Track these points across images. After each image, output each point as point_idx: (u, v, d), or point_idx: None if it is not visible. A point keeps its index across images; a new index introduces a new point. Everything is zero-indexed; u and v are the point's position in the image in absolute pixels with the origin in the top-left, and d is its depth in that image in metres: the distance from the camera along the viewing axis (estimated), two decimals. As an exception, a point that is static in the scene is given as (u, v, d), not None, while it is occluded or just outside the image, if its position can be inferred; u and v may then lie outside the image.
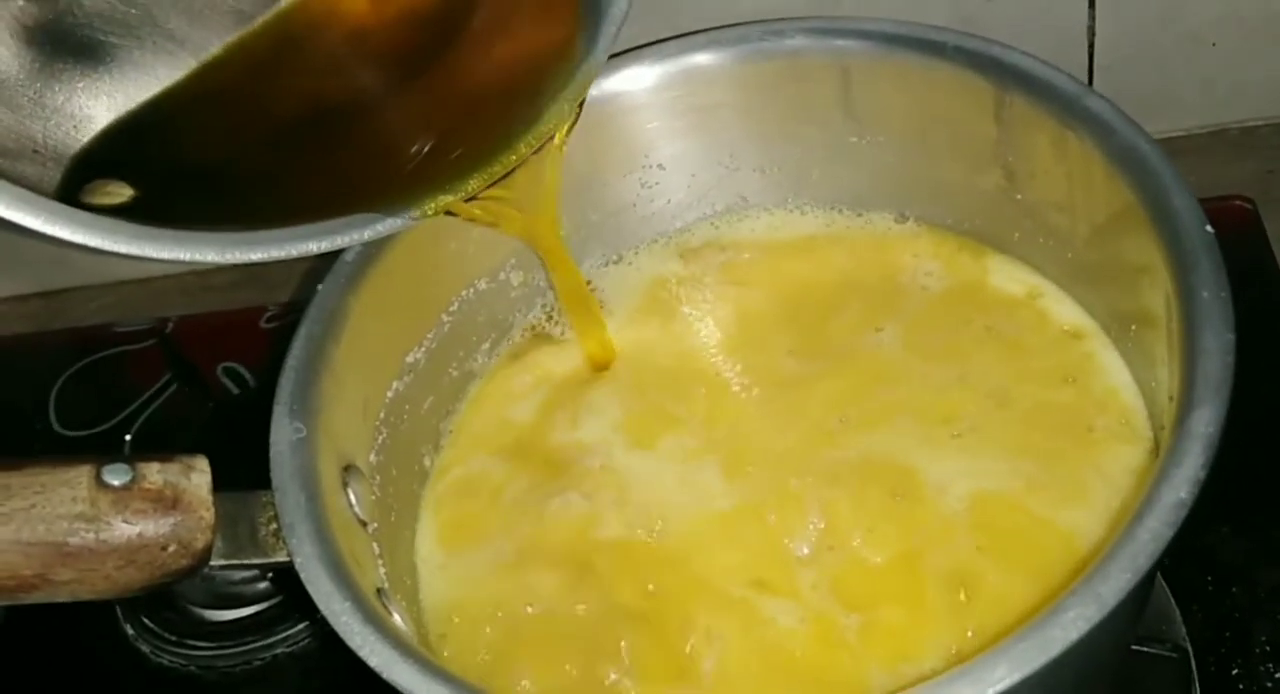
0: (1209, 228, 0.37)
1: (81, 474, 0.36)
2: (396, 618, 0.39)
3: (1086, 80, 0.64)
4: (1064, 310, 0.47)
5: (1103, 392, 0.44)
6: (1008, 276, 0.48)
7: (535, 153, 0.43)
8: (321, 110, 0.44)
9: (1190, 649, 0.48)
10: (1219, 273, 0.36)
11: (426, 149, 0.44)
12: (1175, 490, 0.32)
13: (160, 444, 0.65)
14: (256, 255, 0.40)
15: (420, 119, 0.45)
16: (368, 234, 0.42)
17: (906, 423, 0.45)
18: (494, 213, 0.44)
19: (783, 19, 0.48)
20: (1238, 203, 0.61)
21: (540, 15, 0.45)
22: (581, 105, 0.44)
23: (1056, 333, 0.46)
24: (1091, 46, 0.62)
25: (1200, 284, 0.36)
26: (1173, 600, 0.50)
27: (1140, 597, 0.38)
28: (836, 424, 0.46)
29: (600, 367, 0.50)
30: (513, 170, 0.42)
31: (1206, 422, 0.33)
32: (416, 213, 0.42)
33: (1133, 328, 0.43)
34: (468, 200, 0.42)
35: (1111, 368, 0.44)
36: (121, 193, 0.41)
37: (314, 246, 0.41)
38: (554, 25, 0.45)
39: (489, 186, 0.42)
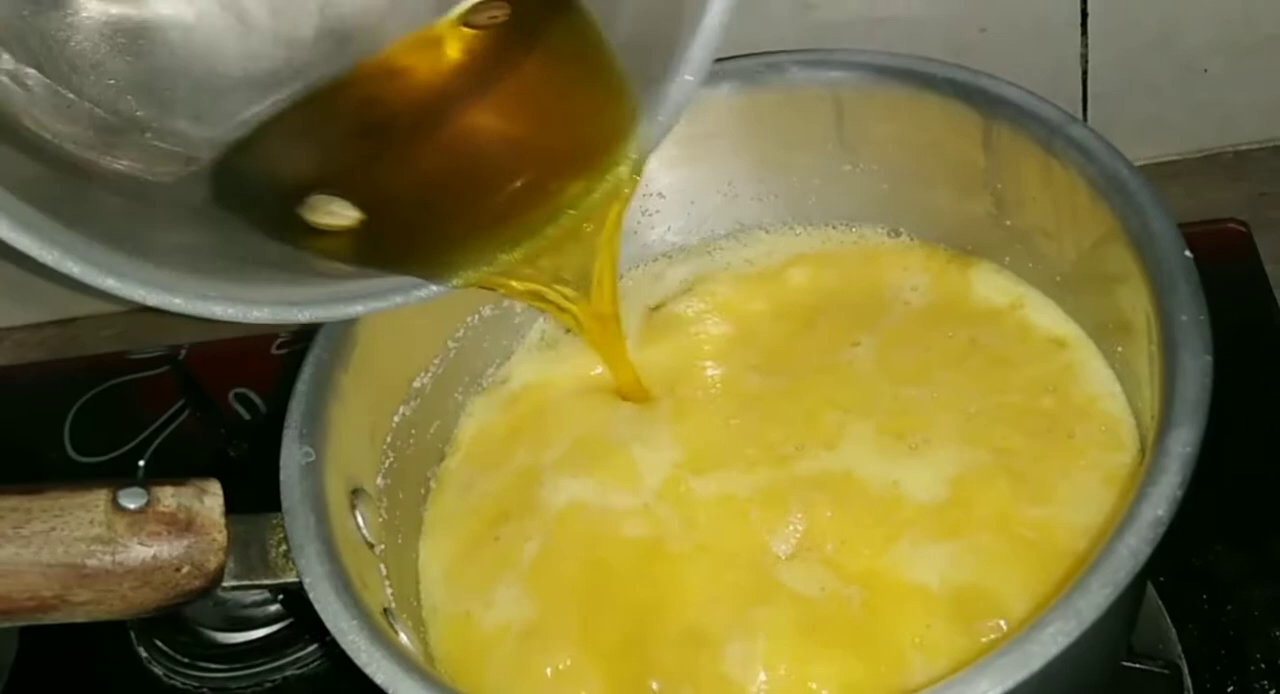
0: (1188, 252, 0.38)
1: (98, 498, 0.37)
2: (403, 637, 0.40)
3: (1080, 107, 0.64)
4: (1049, 321, 0.47)
5: (1084, 400, 0.45)
6: (995, 288, 0.49)
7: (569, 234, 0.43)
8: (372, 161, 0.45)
9: (1185, 666, 0.49)
10: (1197, 296, 0.37)
11: (471, 213, 0.44)
12: (1153, 508, 0.33)
13: (173, 469, 0.66)
14: (304, 316, 0.41)
15: (467, 181, 0.45)
16: (411, 298, 0.43)
17: (885, 426, 0.46)
18: (532, 291, 0.45)
19: (778, 52, 0.50)
20: (1231, 226, 0.62)
21: (593, 99, 0.45)
22: (631, 188, 0.44)
23: (1041, 343, 0.47)
24: (1085, 73, 0.63)
25: (1179, 307, 0.37)
26: (1168, 618, 0.50)
27: (1123, 613, 0.39)
28: (804, 438, 0.46)
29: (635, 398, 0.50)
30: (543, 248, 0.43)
31: (1184, 442, 0.34)
32: (457, 282, 0.43)
33: (1119, 349, 0.44)
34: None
35: (1096, 378, 0.45)
36: (347, 215, 0.42)
37: (358, 309, 0.42)
38: (605, 109, 0.45)
39: (528, 258, 0.43)
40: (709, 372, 0.50)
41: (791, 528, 0.44)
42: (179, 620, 0.59)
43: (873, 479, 0.44)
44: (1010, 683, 0.31)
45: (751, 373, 0.49)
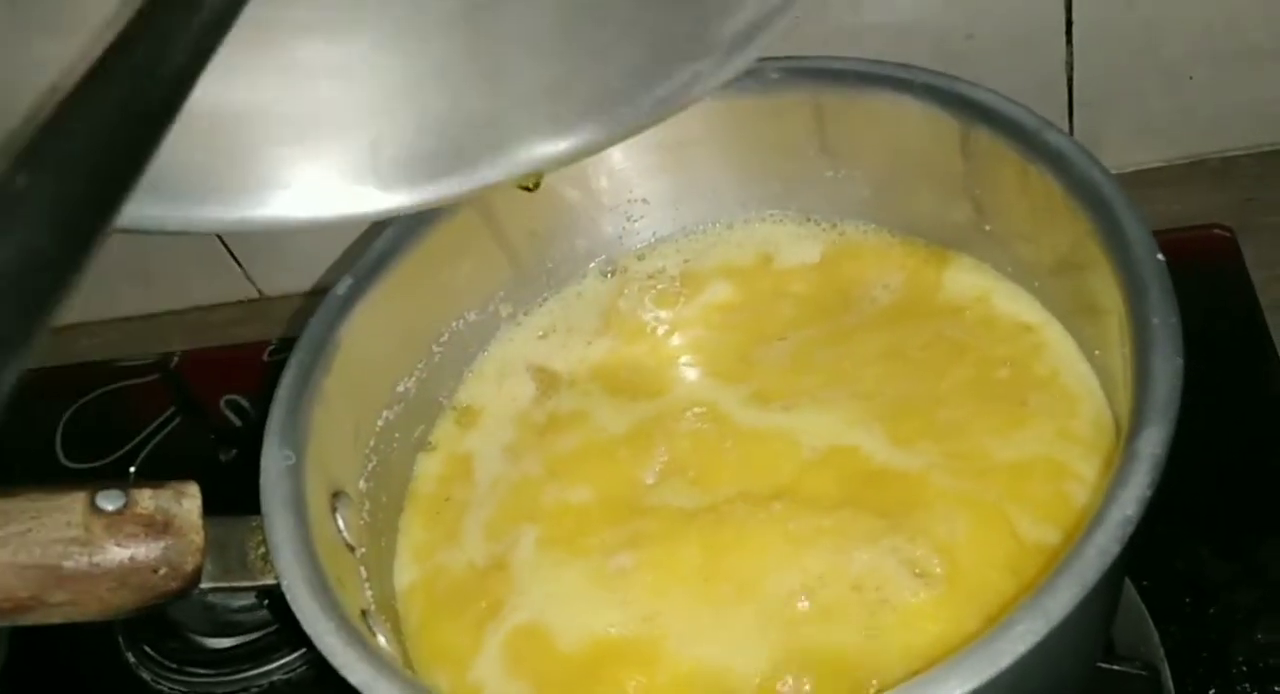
0: (1160, 256, 0.38)
1: (76, 500, 0.37)
2: (381, 639, 0.40)
3: (1066, 114, 0.65)
4: (1019, 309, 0.48)
5: (1047, 373, 0.45)
6: (968, 285, 0.49)
7: None
8: None
9: (1166, 669, 0.49)
10: (1169, 299, 0.37)
11: None
12: (1122, 508, 0.33)
13: (164, 476, 0.66)
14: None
15: None
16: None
17: (826, 391, 0.47)
18: None
19: (759, 58, 0.50)
20: (1217, 231, 0.62)
21: None
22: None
23: (1009, 329, 0.47)
24: (1070, 81, 0.63)
25: (1150, 311, 0.37)
26: (1150, 621, 0.50)
27: (1095, 612, 0.39)
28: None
29: None
30: None
31: (1153, 443, 0.34)
32: None
33: (1096, 352, 0.44)
34: None
35: (1062, 355, 0.45)
36: None
37: None
38: None
39: None
40: (640, 362, 0.51)
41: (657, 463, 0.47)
42: (166, 625, 0.59)
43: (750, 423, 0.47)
44: (978, 681, 0.31)
45: (677, 366, 0.51)
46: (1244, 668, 0.49)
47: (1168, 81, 0.63)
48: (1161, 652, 0.49)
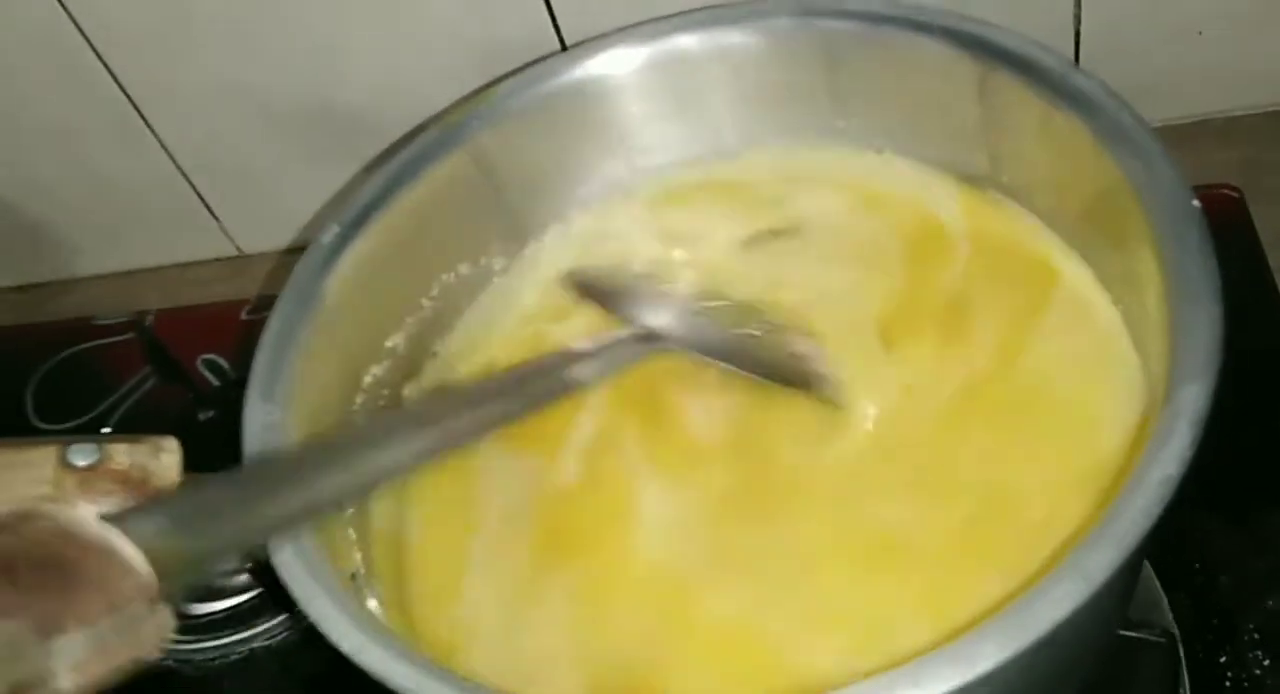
0: (1195, 202, 0.37)
1: (46, 455, 0.35)
2: (372, 603, 0.39)
3: (1073, 69, 0.64)
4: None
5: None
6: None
7: None
8: None
9: (1179, 636, 0.48)
10: (1205, 247, 0.36)
11: None
12: (1163, 467, 0.32)
13: (139, 437, 0.65)
14: None
15: None
16: None
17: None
18: None
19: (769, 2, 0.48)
20: (1224, 191, 0.61)
21: None
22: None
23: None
24: (1078, 35, 0.62)
25: (1186, 258, 0.36)
26: (1161, 589, 0.50)
27: (1128, 576, 0.38)
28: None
29: None
30: None
31: (1194, 398, 0.33)
32: None
33: (1119, 307, 0.43)
34: None
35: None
36: None
37: None
38: None
39: None
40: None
41: None
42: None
43: None
44: (1017, 647, 0.29)
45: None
46: (1255, 635, 0.49)
47: (1176, 39, 0.62)
48: (1171, 617, 0.49)
